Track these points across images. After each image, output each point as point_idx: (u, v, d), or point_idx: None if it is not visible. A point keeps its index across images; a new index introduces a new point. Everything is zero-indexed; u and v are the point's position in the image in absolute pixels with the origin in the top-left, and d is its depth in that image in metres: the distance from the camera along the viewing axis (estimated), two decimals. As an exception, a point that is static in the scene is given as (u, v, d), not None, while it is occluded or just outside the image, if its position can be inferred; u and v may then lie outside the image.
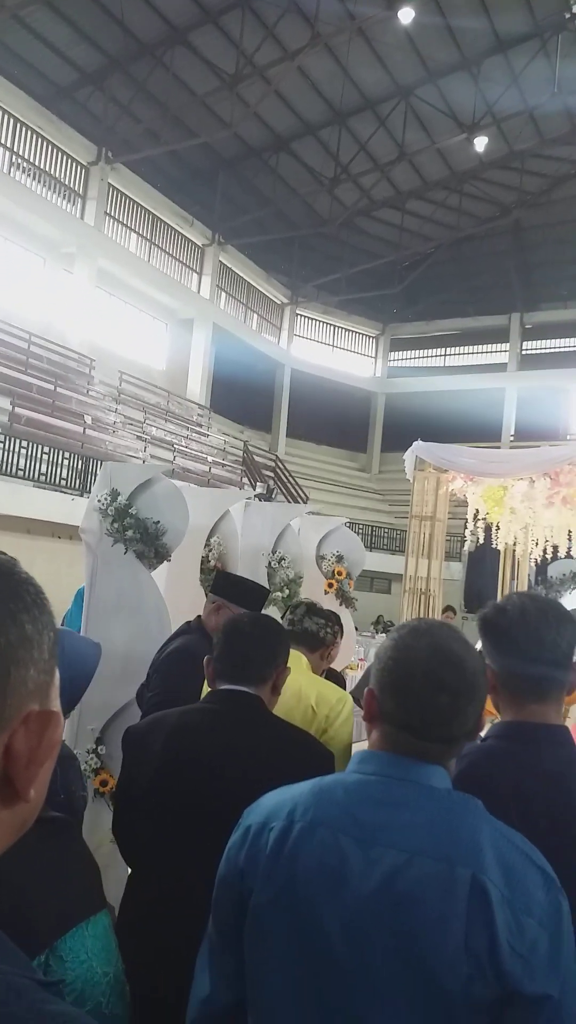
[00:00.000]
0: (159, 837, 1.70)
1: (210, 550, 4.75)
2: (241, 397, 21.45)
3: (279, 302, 23.36)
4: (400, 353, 25.95)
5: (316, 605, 2.92)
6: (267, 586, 5.74)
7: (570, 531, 8.46)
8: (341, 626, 2.92)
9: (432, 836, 1.06)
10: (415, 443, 8.34)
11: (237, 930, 1.14)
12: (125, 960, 1.07)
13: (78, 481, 12.15)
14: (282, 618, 2.92)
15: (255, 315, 22.53)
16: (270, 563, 5.71)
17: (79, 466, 12.29)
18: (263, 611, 2.77)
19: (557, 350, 23.42)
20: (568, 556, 9.42)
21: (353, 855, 1.07)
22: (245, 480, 16.35)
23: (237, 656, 1.81)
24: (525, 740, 1.43)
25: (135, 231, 18.52)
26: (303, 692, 2.41)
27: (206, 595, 4.92)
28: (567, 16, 15.29)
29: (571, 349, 23.20)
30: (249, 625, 1.89)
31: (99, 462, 10.51)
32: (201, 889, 1.28)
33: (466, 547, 10.74)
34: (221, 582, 3.00)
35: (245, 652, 1.82)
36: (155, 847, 1.71)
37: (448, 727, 1.13)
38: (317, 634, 2.76)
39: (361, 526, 18.03)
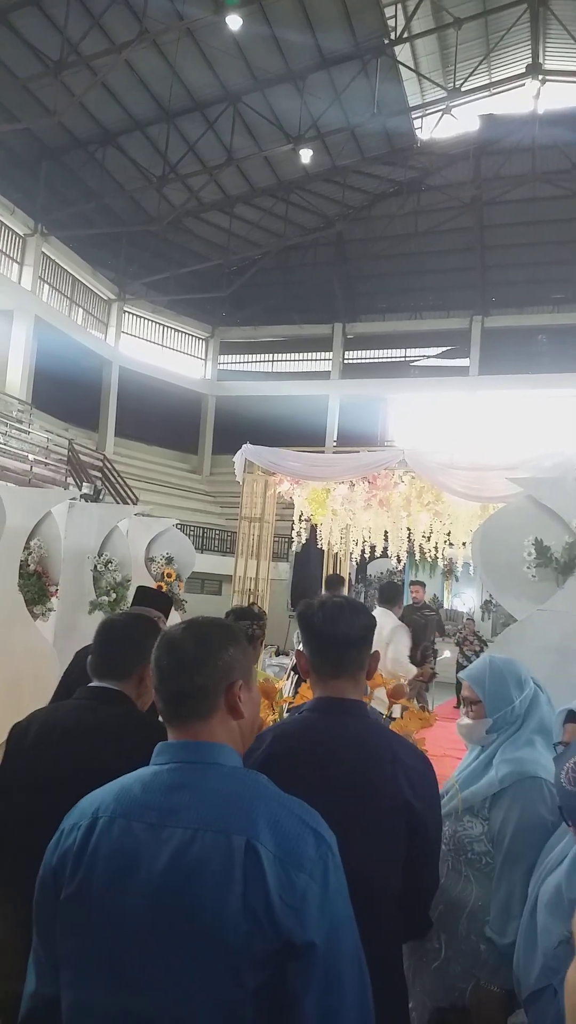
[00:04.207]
0: (26, 822, 1.79)
1: (30, 553, 4.58)
2: (66, 394, 20.67)
3: (106, 298, 22.78)
4: (230, 356, 26.15)
5: (242, 608, 3.76)
6: (93, 590, 5.60)
7: (386, 532, 8.94)
8: (264, 622, 3.63)
9: (213, 811, 1.19)
10: (244, 446, 8.46)
11: (54, 928, 1.23)
12: None
13: None
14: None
15: (80, 309, 21.81)
16: (96, 566, 5.58)
17: None
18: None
19: (375, 360, 24.61)
20: (384, 555, 9.96)
21: (145, 839, 1.18)
22: (70, 480, 15.80)
23: (105, 655, 1.99)
24: (327, 711, 1.75)
25: (-52, 214, 17.38)
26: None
27: (26, 602, 4.74)
28: (386, 41, 16.12)
29: (388, 360, 24.47)
30: (120, 624, 2.06)
31: None
32: None
33: (293, 548, 11.05)
34: (139, 595, 3.71)
35: (112, 651, 1.99)
36: (21, 834, 1.79)
37: (182, 683, 1.29)
38: (244, 632, 3.27)
39: (192, 528, 17.99)
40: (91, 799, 1.29)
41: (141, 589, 3.93)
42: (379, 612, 6.17)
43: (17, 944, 1.72)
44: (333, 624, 1.77)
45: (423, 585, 9.80)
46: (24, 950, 1.34)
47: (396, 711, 3.43)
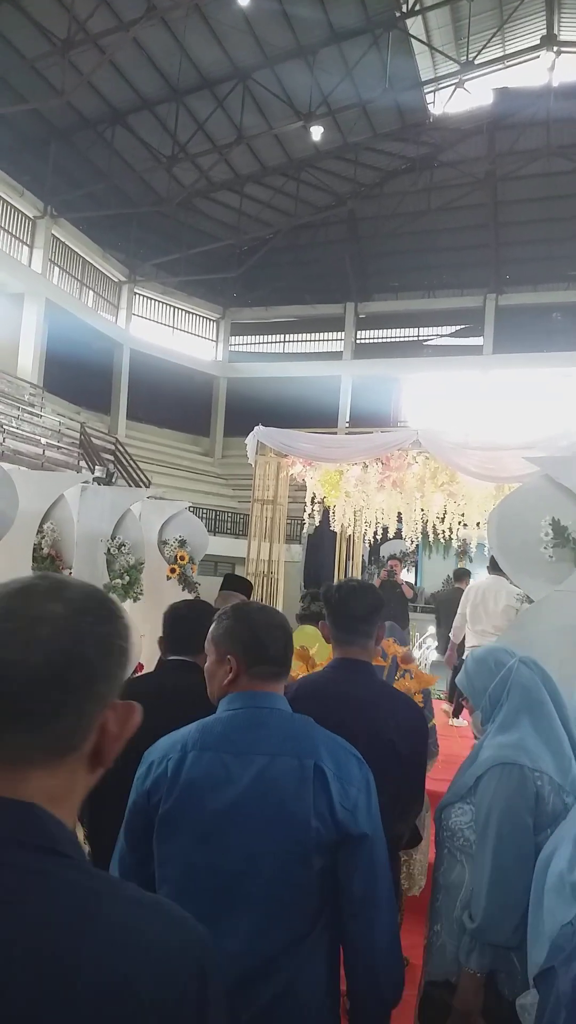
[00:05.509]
0: (119, 775, 2.34)
1: (43, 536, 4.58)
2: (77, 377, 20.65)
3: (116, 280, 22.67)
4: (241, 338, 26.00)
5: (318, 592, 4.21)
6: (107, 573, 5.61)
7: (399, 513, 8.89)
8: None
9: (285, 742, 1.60)
10: (256, 428, 8.42)
11: (144, 840, 1.60)
12: None
13: None
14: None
15: (91, 292, 21.72)
16: (109, 549, 5.58)
17: None
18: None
19: (388, 340, 24.39)
20: (397, 536, 9.92)
21: (232, 764, 1.57)
22: (83, 463, 15.82)
23: (179, 634, 2.44)
24: (341, 669, 2.30)
25: (-42, 197, 17.30)
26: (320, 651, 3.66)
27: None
28: (397, 15, 15.83)
29: (401, 339, 24.24)
30: (186, 610, 2.53)
31: None
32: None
33: (305, 530, 11.03)
34: (231, 580, 4.60)
35: (185, 631, 2.41)
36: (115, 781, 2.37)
37: (286, 657, 1.75)
38: (320, 613, 4.30)
39: (204, 510, 17.99)
40: (171, 739, 1.65)
41: (229, 576, 4.79)
42: (492, 579, 6.76)
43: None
44: (346, 602, 2.30)
45: (400, 561, 10.08)
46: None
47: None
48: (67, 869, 0.78)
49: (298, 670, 3.45)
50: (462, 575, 9.08)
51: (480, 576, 8.61)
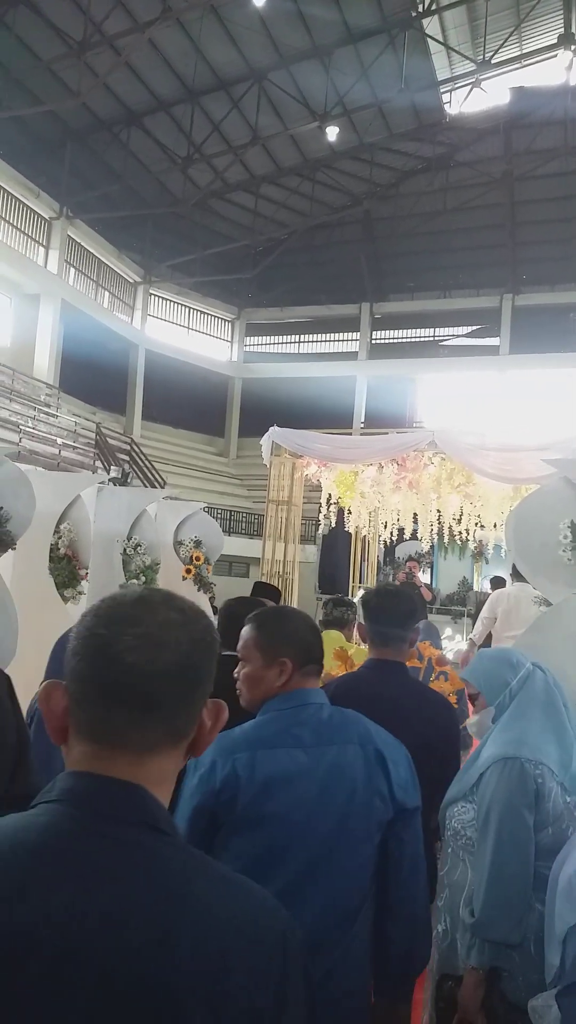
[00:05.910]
0: None
1: (59, 537, 4.58)
2: (93, 377, 20.73)
3: (132, 280, 22.74)
4: (256, 338, 25.99)
5: (339, 598, 4.88)
6: (123, 573, 5.62)
7: (415, 514, 8.86)
8: (355, 608, 4.48)
9: (346, 731, 1.75)
10: (271, 429, 8.42)
11: (205, 838, 1.63)
12: None
13: None
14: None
15: (107, 293, 21.79)
16: (125, 550, 5.59)
17: None
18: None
19: (404, 340, 24.31)
20: (413, 537, 9.88)
21: (303, 757, 1.67)
22: (98, 464, 15.87)
23: (229, 631, 2.43)
24: (375, 669, 2.48)
25: (-25, 199, 17.40)
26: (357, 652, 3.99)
27: (56, 585, 4.75)
28: (413, 14, 15.78)
29: (416, 340, 24.16)
30: (242, 609, 2.60)
31: None
32: None
33: (320, 530, 11.01)
34: (258, 588, 4.76)
35: (234, 627, 2.45)
36: None
37: (321, 654, 1.86)
38: (342, 618, 4.44)
39: (219, 511, 18.00)
40: (231, 739, 1.68)
41: (258, 584, 5.13)
42: (518, 586, 6.87)
43: None
44: (384, 606, 2.48)
45: (418, 562, 10.10)
46: None
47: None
48: (164, 845, 0.86)
49: (338, 670, 3.58)
50: (499, 583, 9.05)
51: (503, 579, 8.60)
